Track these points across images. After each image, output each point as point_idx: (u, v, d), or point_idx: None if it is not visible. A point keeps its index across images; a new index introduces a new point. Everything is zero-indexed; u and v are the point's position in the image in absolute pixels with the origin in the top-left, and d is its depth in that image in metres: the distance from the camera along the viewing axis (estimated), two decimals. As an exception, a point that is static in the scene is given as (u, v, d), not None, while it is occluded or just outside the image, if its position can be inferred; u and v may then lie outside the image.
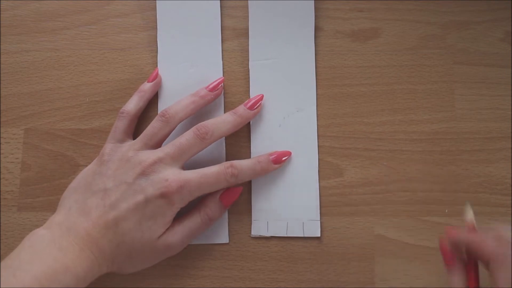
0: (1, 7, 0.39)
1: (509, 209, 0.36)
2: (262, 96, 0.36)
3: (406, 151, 0.37)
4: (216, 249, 0.36)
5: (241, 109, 0.35)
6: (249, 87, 0.37)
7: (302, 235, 0.35)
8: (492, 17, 0.38)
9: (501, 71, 0.38)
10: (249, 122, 0.37)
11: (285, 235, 0.35)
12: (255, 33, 0.38)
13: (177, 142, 0.33)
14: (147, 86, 0.36)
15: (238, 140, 0.37)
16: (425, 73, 0.38)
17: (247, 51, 0.38)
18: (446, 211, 0.36)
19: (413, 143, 0.37)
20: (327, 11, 0.39)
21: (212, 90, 0.36)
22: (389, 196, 0.36)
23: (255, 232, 0.35)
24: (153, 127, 0.34)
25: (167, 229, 0.32)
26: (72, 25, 0.39)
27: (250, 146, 0.36)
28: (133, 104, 0.36)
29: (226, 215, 0.36)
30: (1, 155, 0.37)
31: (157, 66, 0.38)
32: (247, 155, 0.36)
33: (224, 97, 0.38)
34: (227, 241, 0.36)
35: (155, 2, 0.38)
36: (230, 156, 0.37)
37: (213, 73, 0.37)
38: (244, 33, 0.38)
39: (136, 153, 0.33)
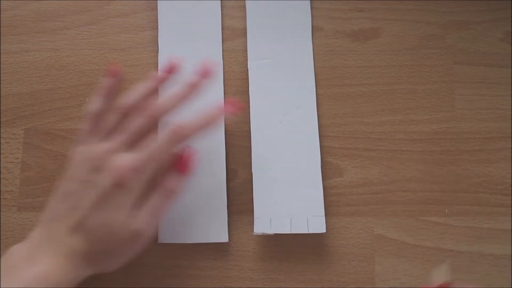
0: (1, 7, 0.39)
1: (509, 209, 0.36)
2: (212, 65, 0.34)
3: (406, 151, 0.37)
4: (216, 249, 0.36)
5: (190, 79, 0.33)
6: (249, 87, 0.37)
7: (307, 232, 0.34)
8: (492, 17, 0.38)
9: (501, 71, 0.38)
10: (249, 121, 0.36)
11: (289, 232, 0.35)
12: (253, 33, 0.38)
13: (127, 128, 0.32)
14: (108, 84, 0.36)
15: (239, 140, 0.37)
16: (425, 73, 0.38)
17: (247, 51, 0.38)
18: (446, 211, 0.36)
19: (413, 143, 0.37)
20: (327, 11, 0.39)
21: (166, 73, 0.34)
22: (389, 196, 0.36)
23: (257, 229, 0.35)
24: (107, 121, 0.33)
25: (133, 216, 0.32)
26: (72, 25, 0.39)
27: (250, 146, 0.36)
28: (96, 104, 0.35)
29: (225, 214, 0.36)
30: (1, 155, 0.37)
31: (157, 66, 0.38)
32: (248, 154, 0.36)
33: (224, 98, 0.37)
34: (227, 240, 0.35)
35: (156, 2, 0.38)
36: (230, 154, 0.37)
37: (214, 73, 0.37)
38: (244, 33, 0.38)
39: (90, 149, 0.32)
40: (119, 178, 0.31)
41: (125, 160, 0.31)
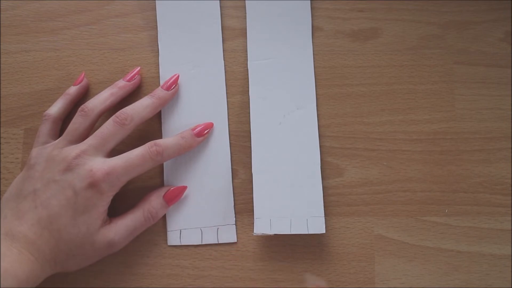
0: (1, 7, 0.39)
1: (509, 209, 0.36)
2: (178, 75, 0.37)
3: (406, 151, 0.37)
4: (216, 249, 0.36)
5: (158, 91, 0.36)
6: (249, 87, 0.37)
7: (306, 232, 0.34)
8: (492, 17, 0.38)
9: (501, 71, 0.38)
10: (249, 121, 0.37)
11: (289, 233, 0.34)
12: (253, 33, 0.38)
13: (98, 132, 0.33)
14: (72, 89, 0.37)
15: (239, 140, 0.37)
16: (425, 73, 0.38)
17: (247, 51, 0.38)
18: (446, 211, 0.36)
19: (413, 143, 0.37)
20: (327, 11, 0.39)
21: (130, 80, 0.36)
22: (389, 196, 0.36)
23: (257, 230, 0.35)
24: (74, 123, 0.34)
25: (108, 225, 0.32)
26: (72, 25, 0.39)
27: (250, 146, 0.36)
28: (56, 107, 0.36)
29: (233, 214, 0.36)
30: (1, 155, 0.37)
31: (157, 66, 0.38)
32: (248, 154, 0.36)
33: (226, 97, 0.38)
34: (235, 241, 0.36)
35: (155, 2, 0.38)
36: (232, 155, 0.37)
37: (215, 73, 0.37)
38: (244, 33, 0.38)
39: (60, 150, 0.33)
40: (94, 181, 0.31)
41: (104, 165, 0.32)
